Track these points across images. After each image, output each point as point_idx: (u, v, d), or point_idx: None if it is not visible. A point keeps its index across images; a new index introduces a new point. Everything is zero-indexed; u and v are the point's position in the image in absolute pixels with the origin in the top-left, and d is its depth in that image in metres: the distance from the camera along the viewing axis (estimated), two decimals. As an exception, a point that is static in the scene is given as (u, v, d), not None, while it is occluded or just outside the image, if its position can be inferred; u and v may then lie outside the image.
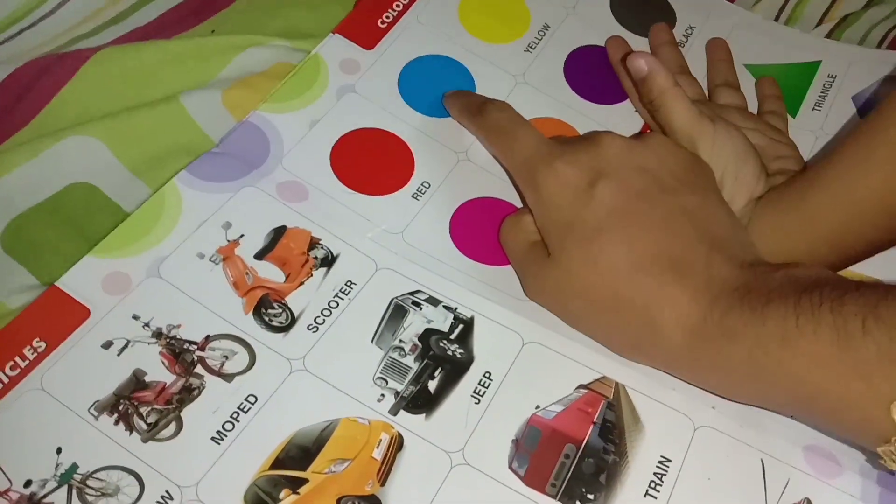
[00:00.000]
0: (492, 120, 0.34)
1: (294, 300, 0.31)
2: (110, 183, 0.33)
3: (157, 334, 0.29)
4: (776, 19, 0.44)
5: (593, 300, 0.29)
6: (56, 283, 0.29)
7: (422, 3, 0.40)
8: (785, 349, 0.25)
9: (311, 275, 0.32)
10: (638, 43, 0.41)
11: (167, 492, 0.26)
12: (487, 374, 0.30)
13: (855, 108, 0.40)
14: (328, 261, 0.32)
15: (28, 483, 0.26)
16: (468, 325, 0.31)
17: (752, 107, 0.39)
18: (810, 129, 0.39)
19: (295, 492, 0.27)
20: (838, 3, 0.44)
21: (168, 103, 0.35)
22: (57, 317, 0.28)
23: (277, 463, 0.27)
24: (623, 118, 0.38)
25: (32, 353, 0.28)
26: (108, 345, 0.28)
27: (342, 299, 0.31)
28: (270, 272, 0.31)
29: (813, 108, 0.40)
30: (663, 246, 0.29)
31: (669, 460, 0.29)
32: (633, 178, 0.30)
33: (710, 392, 0.30)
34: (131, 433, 0.27)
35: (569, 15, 0.41)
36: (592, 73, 0.39)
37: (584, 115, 0.38)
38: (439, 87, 0.38)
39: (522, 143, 0.32)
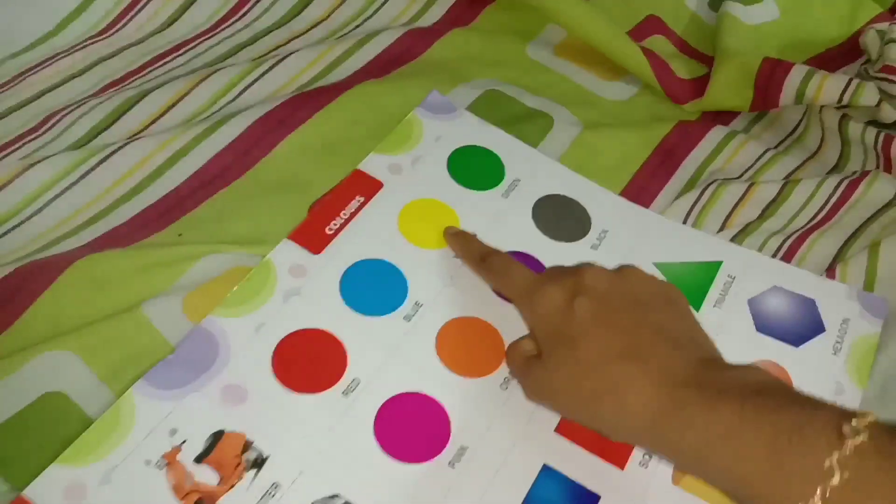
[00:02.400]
0: (493, 265, 0.42)
1: (224, 503, 0.35)
2: (79, 390, 0.37)
3: (104, 540, 0.33)
4: (684, 222, 0.47)
5: (578, 392, 0.35)
6: (22, 494, 0.33)
7: (366, 212, 0.44)
8: (727, 444, 0.30)
9: (242, 477, 0.35)
10: (557, 248, 0.45)
11: None
12: (396, 582, 0.33)
13: (750, 314, 0.43)
14: (258, 462, 0.36)
15: None
16: (381, 534, 0.35)
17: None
18: (713, 327, 0.42)
19: None
20: (736, 213, 0.47)
21: (133, 313, 0.39)
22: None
23: None
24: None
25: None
26: (60, 552, 0.33)
27: (267, 502, 0.35)
28: (206, 475, 0.35)
29: (714, 305, 0.43)
30: (629, 345, 0.34)
31: None
32: (606, 299, 0.36)
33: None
34: None
35: (494, 222, 0.45)
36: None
37: (504, 315, 0.41)
38: (377, 287, 0.42)
39: (520, 277, 0.40)
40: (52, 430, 0.36)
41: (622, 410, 0.33)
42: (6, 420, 0.36)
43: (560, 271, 0.39)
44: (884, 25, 0.57)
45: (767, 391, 0.31)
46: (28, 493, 0.34)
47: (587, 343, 0.35)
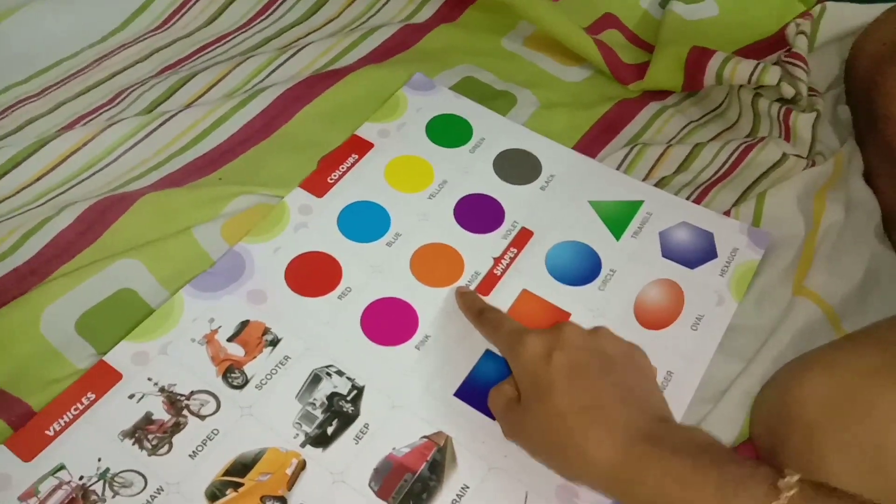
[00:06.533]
0: (488, 318, 0.47)
1: (248, 368, 0.46)
2: (144, 289, 0.49)
3: (161, 389, 0.45)
4: (618, 168, 0.58)
5: (547, 437, 0.39)
6: (103, 358, 0.45)
7: (360, 166, 0.56)
8: (681, 492, 0.35)
9: (262, 351, 0.47)
10: (512, 189, 0.56)
11: (160, 486, 0.42)
12: (366, 425, 0.44)
13: (659, 243, 0.53)
14: (274, 343, 0.47)
15: (81, 477, 0.42)
16: (360, 391, 0.46)
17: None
18: (628, 253, 0.53)
19: (235, 491, 0.42)
20: (655, 169, 0.58)
21: (185, 235, 0.51)
22: (102, 379, 0.45)
23: (227, 472, 0.42)
24: (491, 245, 0.53)
25: (87, 400, 0.44)
26: (132, 396, 0.44)
27: (280, 369, 0.46)
28: (235, 350, 0.47)
29: (632, 236, 0.53)
30: (594, 400, 0.38)
31: (468, 487, 0.43)
32: (580, 355, 0.40)
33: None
34: (141, 450, 0.43)
35: (462, 172, 0.56)
36: (472, 212, 0.54)
37: (464, 241, 0.52)
38: (366, 221, 0.53)
39: (508, 328, 0.44)
40: (125, 315, 0.48)
41: (583, 460, 0.37)
42: (93, 306, 0.48)
43: (543, 330, 0.42)
44: (802, 20, 0.66)
45: (713, 449, 0.36)
46: (107, 358, 0.46)
47: (559, 394, 0.39)
